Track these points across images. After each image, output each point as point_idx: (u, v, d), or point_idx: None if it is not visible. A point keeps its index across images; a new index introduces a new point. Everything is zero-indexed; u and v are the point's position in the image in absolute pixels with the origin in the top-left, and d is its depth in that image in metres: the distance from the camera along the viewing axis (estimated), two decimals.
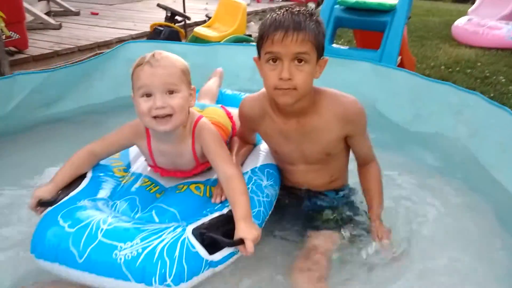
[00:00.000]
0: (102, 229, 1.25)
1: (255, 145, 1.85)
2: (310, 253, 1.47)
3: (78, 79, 2.88)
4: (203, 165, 1.60)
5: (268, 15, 1.43)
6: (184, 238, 1.24)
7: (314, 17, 1.40)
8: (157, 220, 1.38)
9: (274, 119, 1.57)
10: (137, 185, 1.56)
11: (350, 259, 1.50)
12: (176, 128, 1.42)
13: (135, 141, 1.56)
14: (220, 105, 1.99)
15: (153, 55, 1.38)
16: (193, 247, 1.24)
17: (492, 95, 3.77)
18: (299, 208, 1.69)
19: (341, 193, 1.74)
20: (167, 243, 1.22)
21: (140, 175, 1.63)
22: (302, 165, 1.66)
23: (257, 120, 1.62)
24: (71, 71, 2.80)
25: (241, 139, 1.80)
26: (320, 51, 1.41)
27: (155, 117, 1.36)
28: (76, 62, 3.01)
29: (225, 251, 1.30)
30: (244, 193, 1.40)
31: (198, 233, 1.27)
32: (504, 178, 2.07)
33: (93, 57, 2.95)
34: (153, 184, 1.58)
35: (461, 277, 1.53)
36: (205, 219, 1.34)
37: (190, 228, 1.28)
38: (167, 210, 1.42)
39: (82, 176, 1.52)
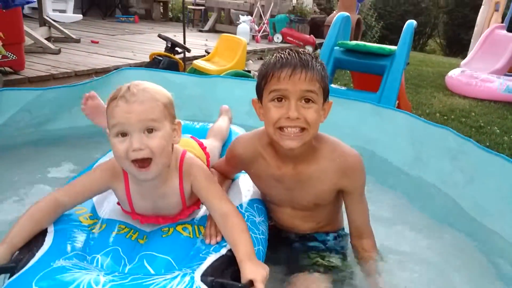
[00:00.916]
0: None
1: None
2: None
3: (71, 102, 2.81)
4: (190, 209, 1.45)
5: (268, 56, 1.39)
6: None
7: (319, 60, 1.36)
8: (152, 271, 1.22)
9: (268, 162, 1.48)
10: (113, 233, 1.36)
11: None
12: (159, 173, 1.27)
13: (110, 185, 1.36)
14: (189, 135, 1.86)
15: (128, 88, 1.20)
16: None
17: (487, 144, 3.77)
18: (288, 248, 1.60)
19: (332, 235, 1.64)
20: None
21: (112, 221, 1.42)
22: (288, 208, 1.58)
23: (248, 161, 1.53)
24: (63, 92, 2.74)
25: (220, 173, 1.68)
26: (326, 93, 1.36)
27: (133, 160, 1.20)
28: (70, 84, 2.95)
29: None
30: (245, 230, 1.30)
31: (208, 281, 1.14)
32: (501, 226, 2.03)
33: (87, 81, 2.89)
34: (132, 230, 1.39)
35: None
36: (206, 263, 1.22)
37: (197, 275, 1.15)
38: (160, 258, 1.26)
39: (43, 231, 1.28)
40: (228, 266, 1.23)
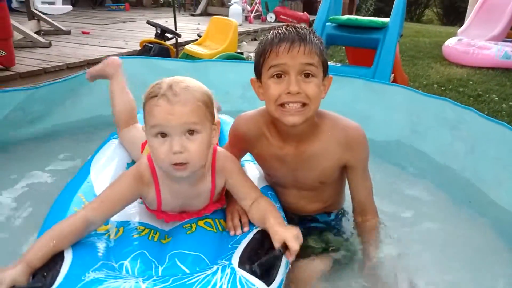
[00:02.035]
0: None
1: None
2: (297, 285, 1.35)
3: (64, 95, 2.79)
4: (216, 204, 1.44)
5: (266, 34, 1.36)
6: (240, 278, 1.11)
7: (317, 35, 1.34)
8: (186, 269, 1.19)
9: (270, 142, 1.46)
10: (134, 236, 1.31)
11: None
12: (195, 172, 1.25)
13: (141, 192, 1.30)
14: None
15: (171, 87, 1.14)
16: (253, 284, 1.11)
17: (486, 112, 3.74)
18: None
19: (333, 215, 1.64)
20: None
21: (128, 223, 1.37)
22: (294, 190, 1.57)
23: (252, 140, 1.51)
24: (56, 87, 2.71)
25: None
26: (325, 67, 1.33)
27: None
28: (62, 78, 2.92)
29: (279, 277, 1.17)
30: (275, 207, 1.35)
31: (247, 268, 1.14)
32: (502, 194, 2.02)
33: (80, 73, 2.86)
34: (152, 231, 1.35)
35: None
36: (238, 252, 1.21)
37: (235, 264, 1.15)
38: (191, 255, 1.24)
39: None
40: (259, 247, 1.24)
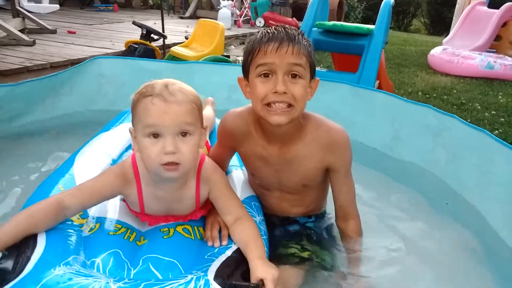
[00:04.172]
0: None
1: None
2: None
3: (45, 93, 2.75)
4: (203, 211, 1.41)
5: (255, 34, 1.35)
6: None
7: (306, 36, 1.34)
8: (159, 275, 1.16)
9: (256, 141, 1.45)
10: (110, 233, 1.27)
11: None
12: (184, 174, 1.24)
13: (122, 190, 1.29)
14: None
15: (166, 86, 1.14)
16: None
17: (469, 120, 3.78)
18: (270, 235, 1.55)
19: (314, 217, 1.63)
20: None
21: (105, 219, 1.33)
22: (277, 192, 1.55)
23: (239, 138, 1.49)
24: (37, 84, 2.66)
25: (215, 162, 1.64)
26: (312, 70, 1.33)
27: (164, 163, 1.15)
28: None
29: None
30: (258, 233, 1.30)
31: (221, 283, 1.11)
32: (482, 201, 2.04)
33: (59, 72, 2.81)
34: (129, 230, 1.31)
35: None
36: (215, 265, 1.19)
37: (210, 277, 1.12)
38: (165, 261, 1.20)
39: None
40: (236, 267, 1.21)
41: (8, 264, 1.05)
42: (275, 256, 1.44)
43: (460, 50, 6.47)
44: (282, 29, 1.30)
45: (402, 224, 1.88)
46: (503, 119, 4.04)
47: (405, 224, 1.88)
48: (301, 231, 1.58)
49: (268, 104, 1.28)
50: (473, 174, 2.14)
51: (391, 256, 1.61)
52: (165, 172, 1.16)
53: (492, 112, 4.28)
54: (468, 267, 1.67)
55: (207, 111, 2.26)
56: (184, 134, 1.16)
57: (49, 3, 8.18)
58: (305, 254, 1.47)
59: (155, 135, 1.14)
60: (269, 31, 1.30)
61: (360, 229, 1.56)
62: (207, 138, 1.97)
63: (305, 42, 1.30)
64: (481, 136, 2.12)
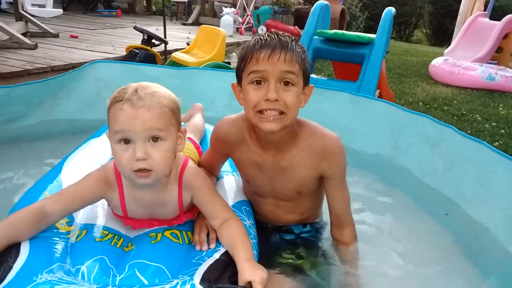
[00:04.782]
0: None
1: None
2: None
3: (43, 97, 2.74)
4: (187, 215, 1.39)
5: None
6: None
7: (299, 43, 1.33)
8: (144, 280, 1.14)
9: (250, 148, 1.44)
10: (96, 240, 1.26)
11: None
12: (158, 179, 1.21)
13: (104, 194, 1.28)
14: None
15: (136, 91, 1.12)
16: None
17: (469, 131, 3.78)
18: (263, 240, 1.53)
19: (308, 227, 1.61)
20: None
21: (92, 226, 1.32)
22: (271, 199, 1.54)
23: (232, 144, 1.48)
24: (35, 87, 2.65)
25: (207, 167, 1.62)
26: (306, 77, 1.32)
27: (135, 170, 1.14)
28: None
29: None
30: (245, 234, 1.29)
31: (208, 286, 1.10)
32: (479, 212, 2.01)
33: (59, 75, 2.81)
34: (116, 236, 1.29)
35: None
36: (202, 269, 1.17)
37: (196, 282, 1.11)
38: (152, 266, 1.18)
39: None
40: (224, 270, 1.19)
41: None
42: (269, 264, 1.41)
43: (462, 61, 6.48)
44: (275, 35, 1.29)
45: (400, 233, 1.86)
46: (503, 131, 4.03)
47: (403, 233, 1.87)
48: (297, 240, 1.57)
49: (260, 111, 1.28)
50: (472, 185, 2.12)
51: (388, 265, 1.59)
52: (137, 178, 1.15)
53: (493, 123, 4.27)
54: (470, 277, 1.65)
55: (197, 119, 2.24)
56: (155, 139, 1.14)
57: (53, 8, 8.24)
58: (300, 263, 1.45)
59: (126, 141, 1.13)
60: (262, 37, 1.29)
61: (355, 237, 1.55)
62: (198, 143, 1.97)
63: (299, 49, 1.29)
64: (479, 147, 2.10)
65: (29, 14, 6.07)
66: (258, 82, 1.27)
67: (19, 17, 5.72)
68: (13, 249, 1.11)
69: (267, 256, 1.47)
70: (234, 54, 7.10)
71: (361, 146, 2.69)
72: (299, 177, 1.44)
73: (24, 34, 5.52)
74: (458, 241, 1.88)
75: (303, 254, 1.51)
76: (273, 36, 1.29)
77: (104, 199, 1.33)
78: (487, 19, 7.60)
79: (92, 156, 1.77)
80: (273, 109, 1.26)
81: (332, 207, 1.51)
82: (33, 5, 7.65)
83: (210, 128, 2.31)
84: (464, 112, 4.64)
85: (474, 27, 7.45)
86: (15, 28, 5.34)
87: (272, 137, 1.35)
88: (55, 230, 1.24)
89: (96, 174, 1.28)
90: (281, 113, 1.27)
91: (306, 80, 1.33)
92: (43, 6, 8.10)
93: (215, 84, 3.12)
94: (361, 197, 2.04)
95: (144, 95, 1.12)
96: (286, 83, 1.26)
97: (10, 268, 1.04)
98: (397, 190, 2.32)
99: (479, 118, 4.43)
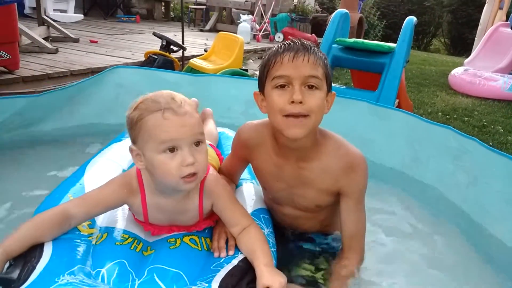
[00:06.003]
0: None
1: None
2: None
3: (62, 102, 2.76)
4: (206, 222, 1.39)
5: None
6: None
7: (321, 50, 1.33)
8: (163, 286, 1.14)
9: (270, 155, 1.43)
10: (117, 244, 1.27)
11: None
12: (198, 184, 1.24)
13: (127, 200, 1.28)
14: (208, 142, 1.80)
15: (173, 99, 1.13)
16: None
17: (490, 144, 3.68)
18: (283, 247, 1.49)
19: (330, 238, 1.57)
20: None
21: (113, 229, 1.33)
22: (290, 208, 1.51)
23: (253, 149, 1.47)
24: (57, 94, 2.67)
25: (226, 175, 1.61)
26: (329, 82, 1.31)
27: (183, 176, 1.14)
28: (63, 85, 2.89)
29: None
30: (265, 241, 1.28)
31: None
32: (503, 229, 1.94)
33: (79, 81, 2.83)
34: (136, 241, 1.30)
35: None
36: (220, 275, 1.17)
37: (214, 287, 1.11)
38: (171, 272, 1.18)
39: None
40: (242, 276, 1.19)
41: (14, 273, 1.06)
42: (287, 274, 1.38)
43: (482, 72, 6.36)
44: (298, 41, 1.30)
45: (418, 249, 1.81)
46: None
47: (421, 250, 1.81)
48: (317, 251, 1.53)
49: (285, 116, 1.26)
50: (497, 201, 2.05)
51: (406, 282, 1.54)
52: (184, 184, 1.16)
53: None
54: None
55: (210, 126, 2.25)
56: (197, 143, 1.17)
57: (74, 13, 8.40)
58: (319, 275, 1.41)
59: (171, 149, 1.13)
60: (285, 43, 1.30)
61: (358, 262, 1.42)
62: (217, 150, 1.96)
63: (321, 55, 1.29)
64: (504, 161, 2.03)
65: (51, 19, 6.20)
66: (282, 86, 1.26)
67: (41, 22, 5.83)
68: (37, 249, 1.14)
69: (285, 266, 1.43)
70: (250, 61, 7.11)
71: (379, 157, 2.64)
72: (317, 188, 1.41)
73: (45, 39, 5.63)
74: (479, 259, 1.82)
75: (323, 266, 1.46)
76: (296, 41, 1.30)
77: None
78: (509, 29, 7.45)
79: (113, 160, 1.79)
80: (298, 113, 1.24)
81: (344, 229, 1.41)
82: (55, 10, 7.83)
83: (229, 132, 2.31)
84: (485, 123, 4.53)
85: (496, 37, 7.31)
86: (37, 33, 5.44)
87: (295, 144, 1.33)
88: (77, 232, 1.26)
89: (119, 180, 1.30)
90: (305, 116, 1.25)
91: (329, 86, 1.32)
92: (64, 11, 8.28)
93: (232, 91, 3.11)
94: (377, 210, 1.99)
95: (181, 102, 1.14)
96: (310, 87, 1.25)
97: (34, 268, 1.07)
98: (416, 203, 2.25)
99: (501, 130, 4.32)
